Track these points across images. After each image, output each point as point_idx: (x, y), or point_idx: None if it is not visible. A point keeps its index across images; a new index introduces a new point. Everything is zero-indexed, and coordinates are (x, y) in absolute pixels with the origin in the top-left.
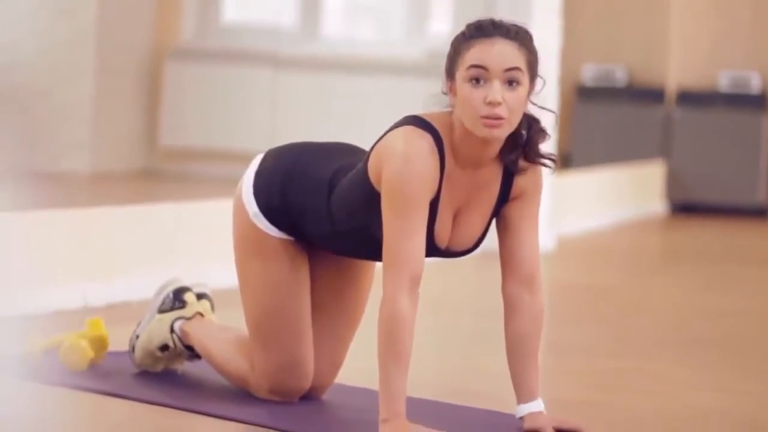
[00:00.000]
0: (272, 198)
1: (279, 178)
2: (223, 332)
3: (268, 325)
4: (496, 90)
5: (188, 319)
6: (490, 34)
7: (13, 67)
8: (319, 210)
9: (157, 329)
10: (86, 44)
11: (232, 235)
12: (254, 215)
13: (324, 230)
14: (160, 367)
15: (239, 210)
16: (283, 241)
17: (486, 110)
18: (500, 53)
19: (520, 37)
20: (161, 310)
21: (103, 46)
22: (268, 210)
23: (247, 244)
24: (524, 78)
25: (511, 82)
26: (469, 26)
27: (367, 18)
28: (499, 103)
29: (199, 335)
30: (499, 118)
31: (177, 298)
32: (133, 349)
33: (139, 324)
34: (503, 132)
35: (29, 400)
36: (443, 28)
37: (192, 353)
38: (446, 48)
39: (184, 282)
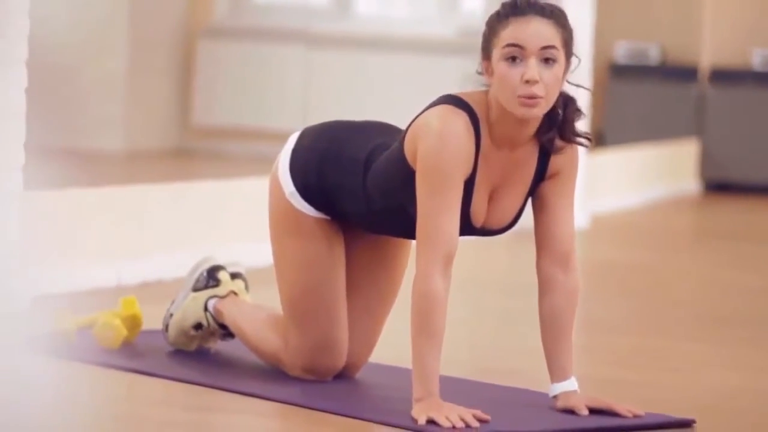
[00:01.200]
0: (308, 177)
1: (315, 157)
2: (257, 311)
3: (303, 304)
4: (533, 68)
5: (222, 297)
6: (525, 13)
7: (47, 44)
8: (355, 189)
9: (191, 308)
10: (120, 22)
11: (267, 214)
12: (290, 194)
13: (360, 209)
14: (193, 346)
15: (275, 189)
16: (318, 220)
17: (523, 89)
18: (536, 31)
19: (555, 15)
20: (195, 289)
21: (136, 23)
22: (304, 189)
23: (282, 222)
24: (560, 56)
25: (547, 60)
26: (504, 5)
27: None
28: (537, 81)
29: (233, 314)
30: (536, 96)
31: (211, 277)
32: (166, 327)
33: (172, 302)
34: (540, 111)
35: (63, 379)
36: (476, 5)
37: (225, 332)
38: (479, 25)
39: (218, 261)
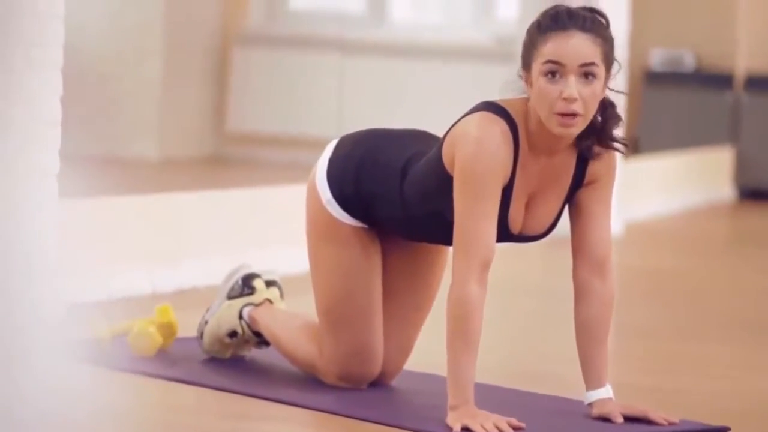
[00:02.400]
0: (346, 185)
1: (353, 165)
2: (292, 318)
3: (338, 311)
4: (572, 86)
5: (257, 305)
6: (566, 27)
7: (82, 50)
8: (393, 196)
9: (226, 315)
10: (155, 28)
11: (305, 221)
12: (327, 202)
13: (397, 216)
14: (228, 354)
15: (313, 196)
16: (355, 228)
17: (561, 105)
18: (576, 48)
19: (596, 27)
20: (230, 297)
21: (171, 30)
22: (341, 197)
23: (320, 230)
24: (600, 70)
25: (587, 76)
26: (544, 15)
27: (434, 2)
28: (575, 99)
29: (268, 321)
30: (574, 114)
31: (246, 285)
32: (201, 335)
33: (208, 310)
34: (577, 129)
35: (98, 386)
36: (511, 12)
37: (260, 340)
38: (515, 32)
39: (254, 268)
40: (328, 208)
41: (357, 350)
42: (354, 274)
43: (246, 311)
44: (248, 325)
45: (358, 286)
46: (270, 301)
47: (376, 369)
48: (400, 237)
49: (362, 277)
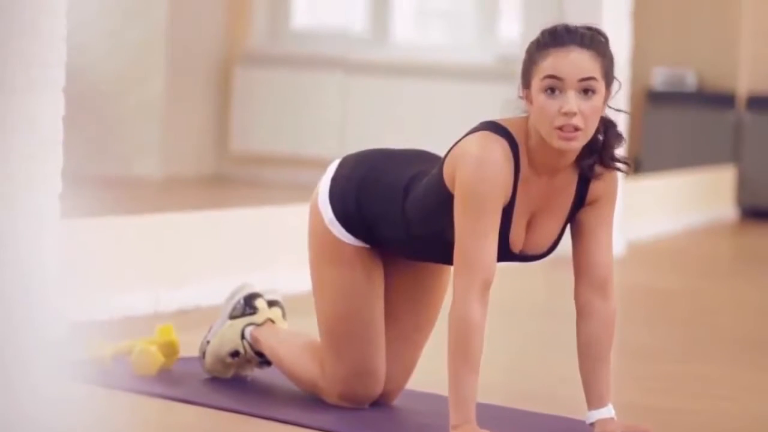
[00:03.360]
0: (348, 205)
1: (354, 185)
2: (294, 338)
3: (341, 332)
4: (571, 101)
5: (259, 325)
6: (564, 43)
7: (84, 70)
8: (394, 216)
9: (227, 335)
10: (157, 48)
11: (307, 241)
12: (330, 222)
13: (399, 236)
14: (230, 374)
15: (315, 216)
16: (357, 248)
17: (561, 120)
18: (574, 63)
19: (595, 43)
20: (232, 316)
21: (173, 50)
22: (343, 217)
23: (322, 250)
24: (600, 86)
25: (586, 91)
26: (543, 33)
27: (437, 22)
28: (575, 114)
29: (270, 341)
30: (575, 129)
31: (248, 305)
32: (203, 354)
33: (209, 330)
34: (579, 144)
35: (99, 406)
36: (514, 32)
37: (262, 359)
38: (517, 52)
39: (255, 288)
40: (331, 228)
41: (359, 371)
42: (356, 295)
43: (248, 331)
44: (250, 345)
45: (361, 307)
46: (272, 321)
47: (378, 389)
48: (402, 257)
49: (365, 298)
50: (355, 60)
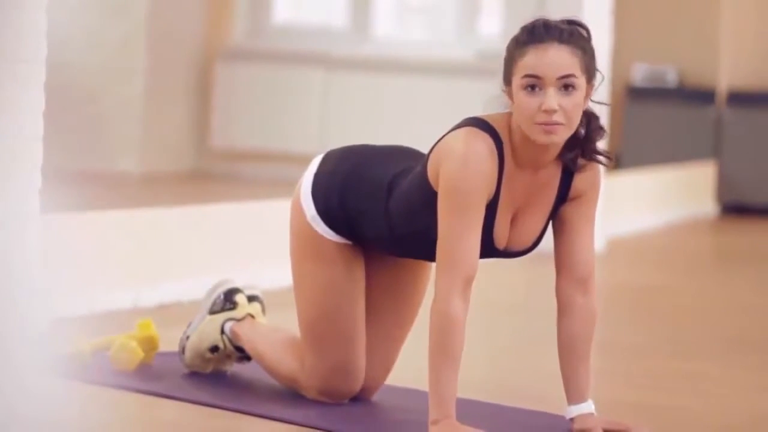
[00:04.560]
0: (330, 201)
1: (337, 182)
2: (274, 333)
3: (321, 327)
4: (551, 98)
5: (239, 320)
6: (542, 39)
7: (64, 67)
8: (377, 213)
9: (207, 330)
10: (137, 44)
11: (289, 236)
12: (312, 218)
13: (382, 233)
14: (209, 369)
15: (297, 212)
16: (339, 245)
17: (542, 117)
18: (553, 61)
19: (575, 38)
20: (212, 311)
21: (154, 46)
22: (326, 213)
23: (303, 245)
24: (580, 81)
25: (567, 87)
26: (522, 30)
27: (417, 18)
28: (555, 111)
29: (250, 335)
30: (556, 123)
31: (228, 300)
32: (183, 350)
33: (189, 325)
34: (562, 136)
35: (79, 401)
36: (494, 28)
37: (242, 354)
38: (498, 48)
39: (236, 283)
40: (312, 224)
41: (339, 366)
42: (337, 291)
43: (228, 326)
44: (230, 340)
45: (341, 303)
46: (252, 317)
47: (357, 384)
48: (385, 253)
49: (345, 294)
50: (336, 56)
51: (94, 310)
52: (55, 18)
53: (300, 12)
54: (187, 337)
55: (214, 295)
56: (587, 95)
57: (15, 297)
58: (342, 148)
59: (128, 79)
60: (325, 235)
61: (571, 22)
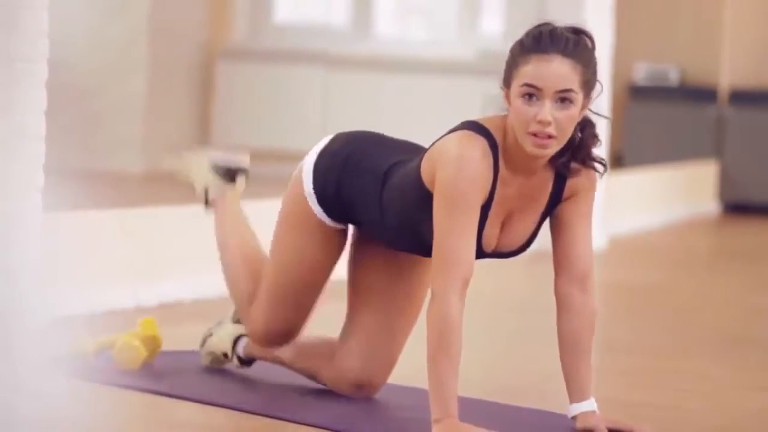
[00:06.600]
0: (328, 181)
1: (339, 162)
2: (248, 240)
3: (281, 290)
4: (546, 110)
5: (246, 336)
6: (547, 50)
7: (66, 65)
8: (372, 201)
9: (224, 338)
10: (139, 43)
11: (282, 198)
12: (307, 193)
13: (374, 220)
14: (221, 366)
15: (296, 183)
16: (323, 224)
17: (535, 127)
18: (554, 74)
19: (579, 50)
20: (214, 170)
21: (155, 44)
22: (321, 192)
23: (292, 212)
24: (578, 96)
25: (563, 100)
26: (528, 36)
27: (418, 17)
28: (549, 123)
29: (224, 220)
30: (549, 136)
31: (229, 175)
32: (203, 343)
33: (219, 323)
34: (551, 150)
35: (81, 400)
36: (495, 27)
37: (243, 365)
38: (498, 48)
39: (247, 164)
40: (307, 198)
41: (281, 331)
42: (306, 265)
43: (241, 344)
44: (238, 357)
45: (306, 276)
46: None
47: (289, 340)
48: (379, 240)
49: (313, 270)
50: (336, 54)
51: (96, 309)
52: (56, 17)
53: (301, 11)
54: (210, 335)
55: (227, 159)
56: (583, 108)
57: (17, 295)
58: (352, 131)
59: (130, 78)
60: (314, 210)
61: (577, 31)
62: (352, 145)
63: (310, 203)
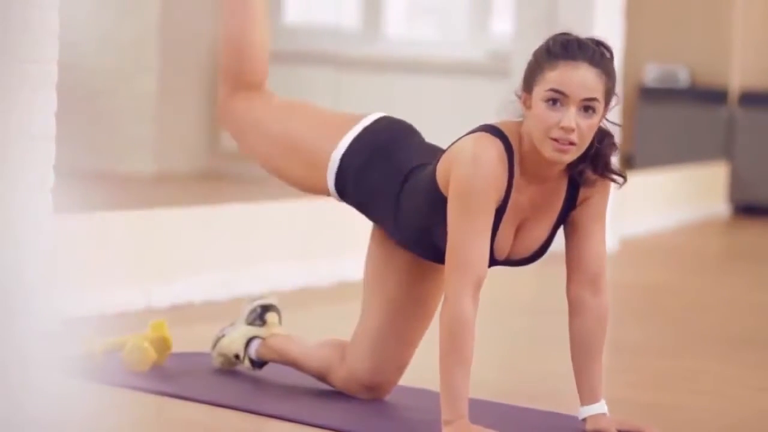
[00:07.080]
0: (354, 162)
1: (371, 147)
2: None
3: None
4: (571, 117)
5: (263, 339)
6: (575, 57)
7: (77, 67)
8: (389, 196)
9: (237, 340)
10: (149, 45)
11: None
12: (332, 159)
13: (387, 216)
14: (231, 367)
15: (334, 136)
16: (322, 183)
17: (558, 133)
18: (582, 82)
19: (604, 62)
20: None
21: (166, 46)
22: (343, 167)
23: (307, 149)
24: (600, 106)
25: (587, 109)
26: (555, 42)
27: (429, 18)
28: (573, 130)
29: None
30: (570, 143)
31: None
32: (215, 344)
33: (233, 324)
34: (570, 157)
35: (91, 401)
36: (505, 28)
37: (255, 367)
38: (508, 49)
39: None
40: (329, 161)
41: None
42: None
43: (254, 344)
44: (249, 359)
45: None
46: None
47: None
48: (387, 232)
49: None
50: (346, 56)
51: (107, 310)
52: (67, 18)
53: (311, 12)
54: (223, 336)
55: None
56: (602, 117)
57: (27, 296)
58: (396, 119)
59: (140, 79)
60: (328, 179)
61: (599, 43)
62: (392, 132)
63: (328, 165)
